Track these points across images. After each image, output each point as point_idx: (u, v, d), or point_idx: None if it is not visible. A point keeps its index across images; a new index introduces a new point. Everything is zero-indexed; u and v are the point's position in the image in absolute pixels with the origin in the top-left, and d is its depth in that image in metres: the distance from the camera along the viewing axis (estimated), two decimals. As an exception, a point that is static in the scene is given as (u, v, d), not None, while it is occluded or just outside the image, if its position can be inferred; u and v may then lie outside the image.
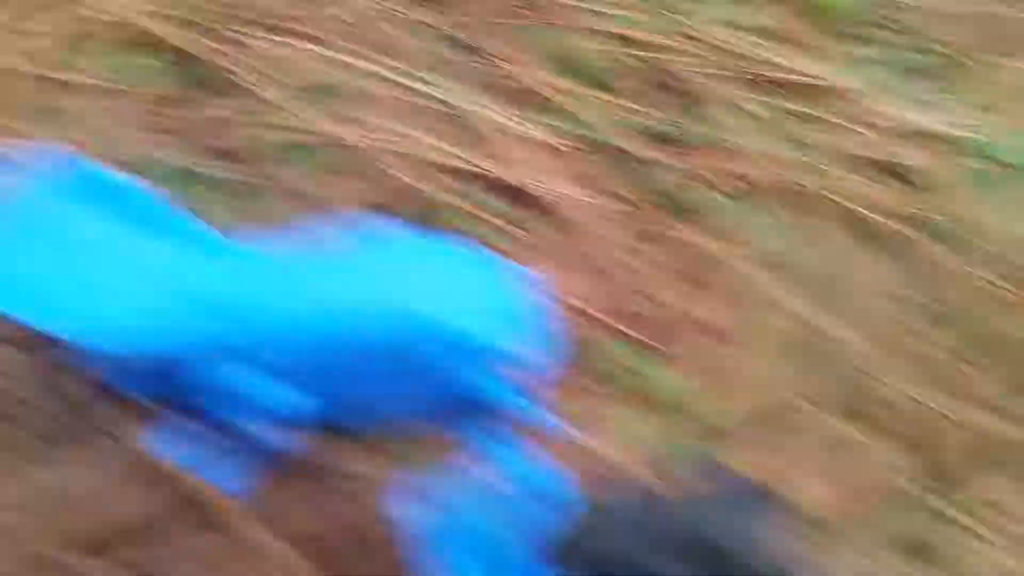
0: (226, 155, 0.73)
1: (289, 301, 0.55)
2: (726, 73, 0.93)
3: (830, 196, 0.85)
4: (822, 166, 0.87)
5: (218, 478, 0.59)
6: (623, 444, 0.64)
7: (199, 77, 0.78)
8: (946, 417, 0.74)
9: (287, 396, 0.56)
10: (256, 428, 0.58)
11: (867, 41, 1.03)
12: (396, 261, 0.58)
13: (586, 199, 0.77)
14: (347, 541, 0.60)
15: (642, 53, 0.91)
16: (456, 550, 0.51)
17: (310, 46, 0.81)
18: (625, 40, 0.92)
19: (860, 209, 0.85)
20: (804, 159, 0.86)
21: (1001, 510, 0.71)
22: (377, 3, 0.85)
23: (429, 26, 0.85)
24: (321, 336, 0.54)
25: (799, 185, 0.85)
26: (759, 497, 0.50)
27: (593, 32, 0.91)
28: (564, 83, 0.86)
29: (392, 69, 0.79)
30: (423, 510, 0.53)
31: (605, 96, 0.86)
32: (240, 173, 0.72)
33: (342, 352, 0.55)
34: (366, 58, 0.80)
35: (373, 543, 0.58)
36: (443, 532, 0.52)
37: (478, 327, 0.56)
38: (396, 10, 0.85)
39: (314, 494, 0.60)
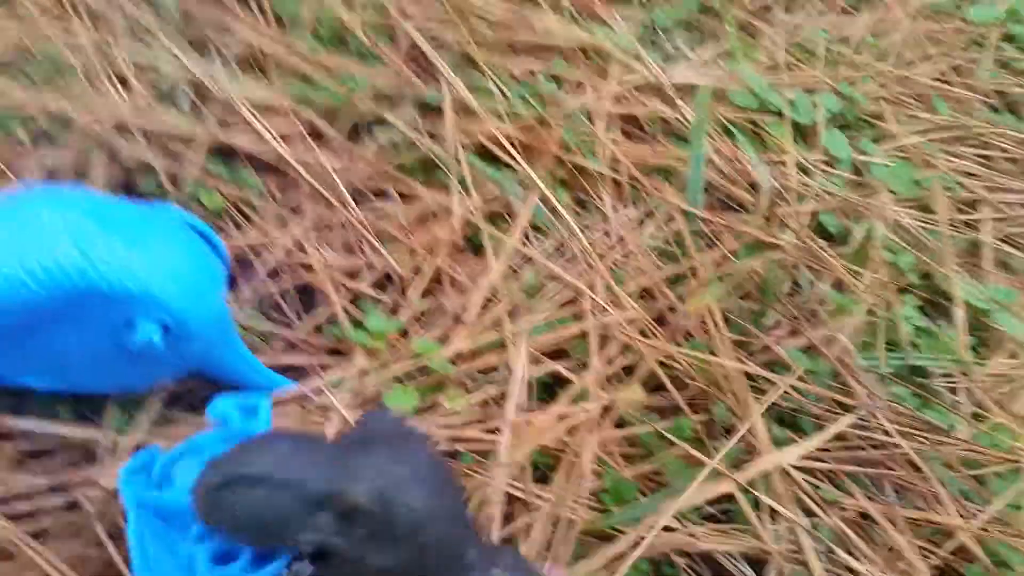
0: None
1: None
2: (489, 40, 0.95)
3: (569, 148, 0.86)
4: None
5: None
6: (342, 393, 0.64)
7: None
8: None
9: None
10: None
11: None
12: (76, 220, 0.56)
13: (319, 160, 0.76)
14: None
15: (405, 24, 0.91)
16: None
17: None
18: (385, 12, 0.92)
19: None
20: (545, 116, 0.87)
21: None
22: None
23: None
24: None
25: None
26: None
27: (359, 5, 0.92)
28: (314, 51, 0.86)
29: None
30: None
31: (364, 67, 0.86)
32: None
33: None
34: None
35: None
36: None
37: (160, 283, 0.54)
38: None
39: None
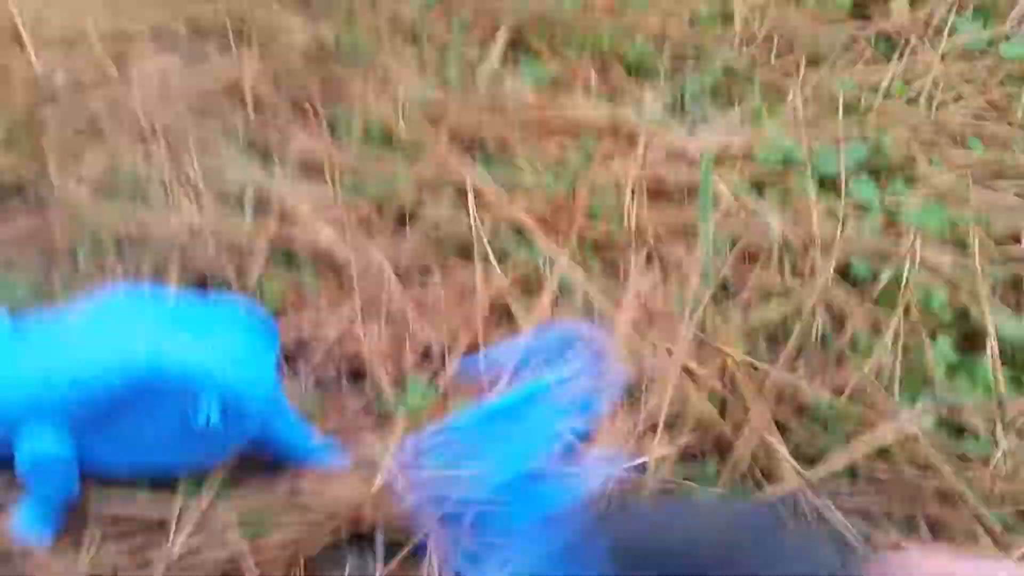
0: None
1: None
2: (524, 124, 1.03)
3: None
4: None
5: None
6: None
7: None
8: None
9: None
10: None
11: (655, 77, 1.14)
12: (140, 318, 0.65)
13: (367, 247, 0.85)
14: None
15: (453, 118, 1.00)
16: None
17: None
18: (432, 110, 1.02)
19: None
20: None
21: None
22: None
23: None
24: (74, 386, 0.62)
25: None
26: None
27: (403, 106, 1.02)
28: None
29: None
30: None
31: (408, 160, 0.95)
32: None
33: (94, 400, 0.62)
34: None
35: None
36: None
37: (216, 369, 0.63)
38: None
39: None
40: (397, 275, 0.84)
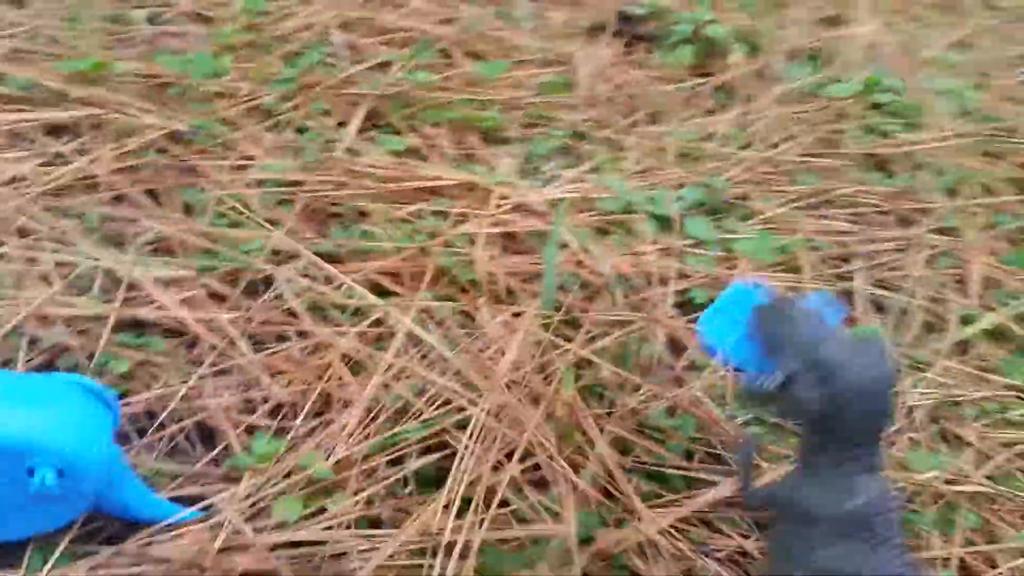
0: None
1: None
2: (380, 192, 1.07)
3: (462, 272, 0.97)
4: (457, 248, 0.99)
5: None
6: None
7: None
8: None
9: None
10: None
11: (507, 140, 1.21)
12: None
13: (217, 316, 0.88)
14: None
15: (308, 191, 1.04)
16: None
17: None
18: (288, 186, 1.06)
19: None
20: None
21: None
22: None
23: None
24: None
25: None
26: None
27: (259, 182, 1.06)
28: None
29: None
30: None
31: (262, 232, 0.98)
32: None
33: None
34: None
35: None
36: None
37: (50, 434, 0.64)
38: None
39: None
40: (249, 339, 0.86)
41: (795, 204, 1.14)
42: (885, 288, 1.05)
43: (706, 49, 1.40)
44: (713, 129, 1.27)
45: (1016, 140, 1.34)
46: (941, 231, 1.14)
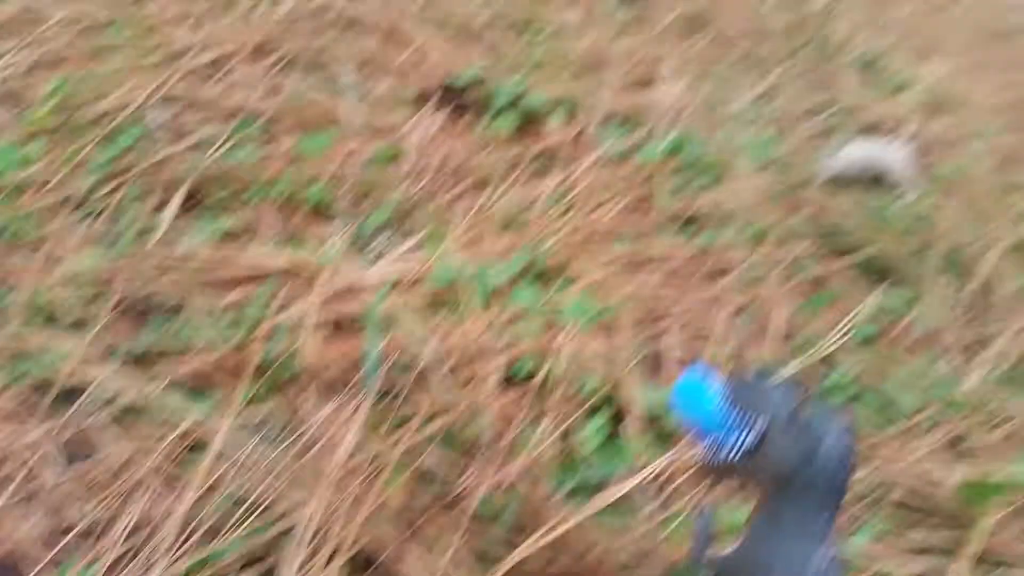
0: None
1: None
2: (199, 282, 1.05)
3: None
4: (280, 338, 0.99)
5: None
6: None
7: None
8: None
9: None
10: None
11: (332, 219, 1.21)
12: None
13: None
14: None
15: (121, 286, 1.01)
16: None
17: None
18: (100, 278, 1.02)
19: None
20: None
21: None
22: None
23: None
24: None
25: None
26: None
27: (69, 280, 1.01)
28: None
29: None
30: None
31: (75, 335, 0.95)
32: None
33: None
34: None
35: None
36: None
37: None
38: None
39: None
40: (58, 452, 0.83)
41: (613, 267, 1.20)
42: (697, 339, 1.12)
43: (526, 116, 1.46)
44: (536, 195, 1.31)
45: (812, 188, 1.46)
46: (745, 284, 1.23)
